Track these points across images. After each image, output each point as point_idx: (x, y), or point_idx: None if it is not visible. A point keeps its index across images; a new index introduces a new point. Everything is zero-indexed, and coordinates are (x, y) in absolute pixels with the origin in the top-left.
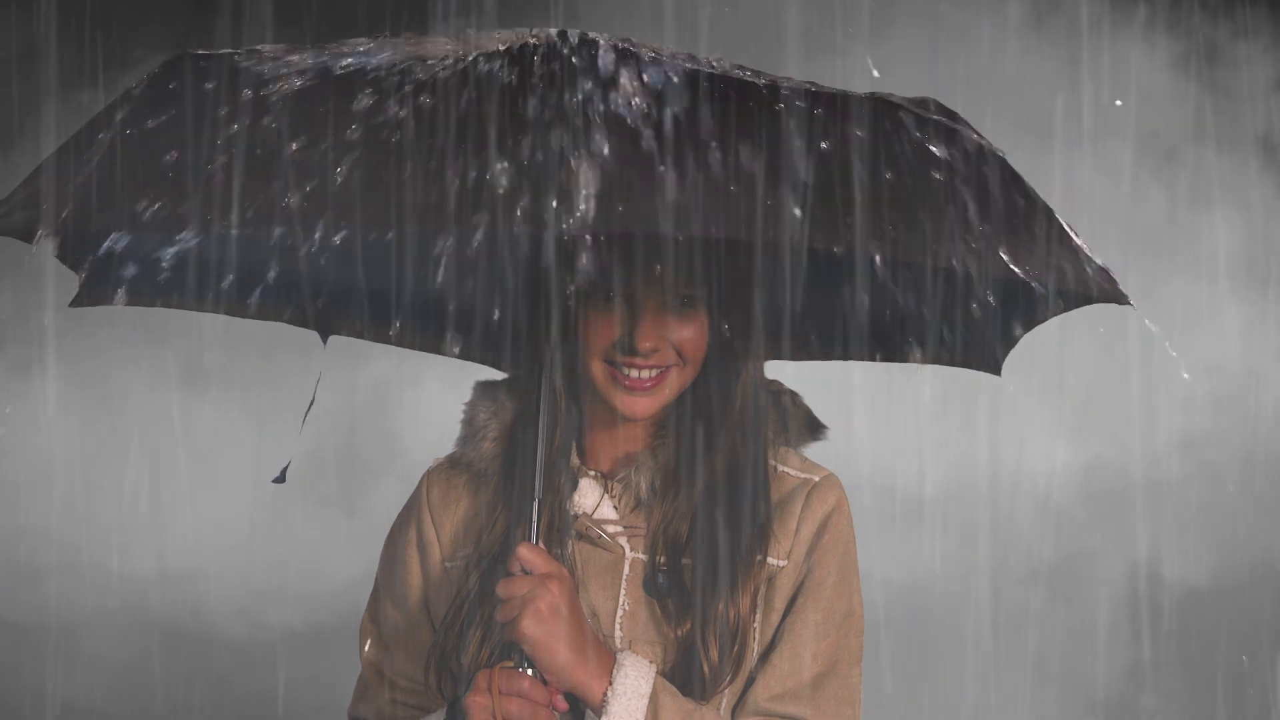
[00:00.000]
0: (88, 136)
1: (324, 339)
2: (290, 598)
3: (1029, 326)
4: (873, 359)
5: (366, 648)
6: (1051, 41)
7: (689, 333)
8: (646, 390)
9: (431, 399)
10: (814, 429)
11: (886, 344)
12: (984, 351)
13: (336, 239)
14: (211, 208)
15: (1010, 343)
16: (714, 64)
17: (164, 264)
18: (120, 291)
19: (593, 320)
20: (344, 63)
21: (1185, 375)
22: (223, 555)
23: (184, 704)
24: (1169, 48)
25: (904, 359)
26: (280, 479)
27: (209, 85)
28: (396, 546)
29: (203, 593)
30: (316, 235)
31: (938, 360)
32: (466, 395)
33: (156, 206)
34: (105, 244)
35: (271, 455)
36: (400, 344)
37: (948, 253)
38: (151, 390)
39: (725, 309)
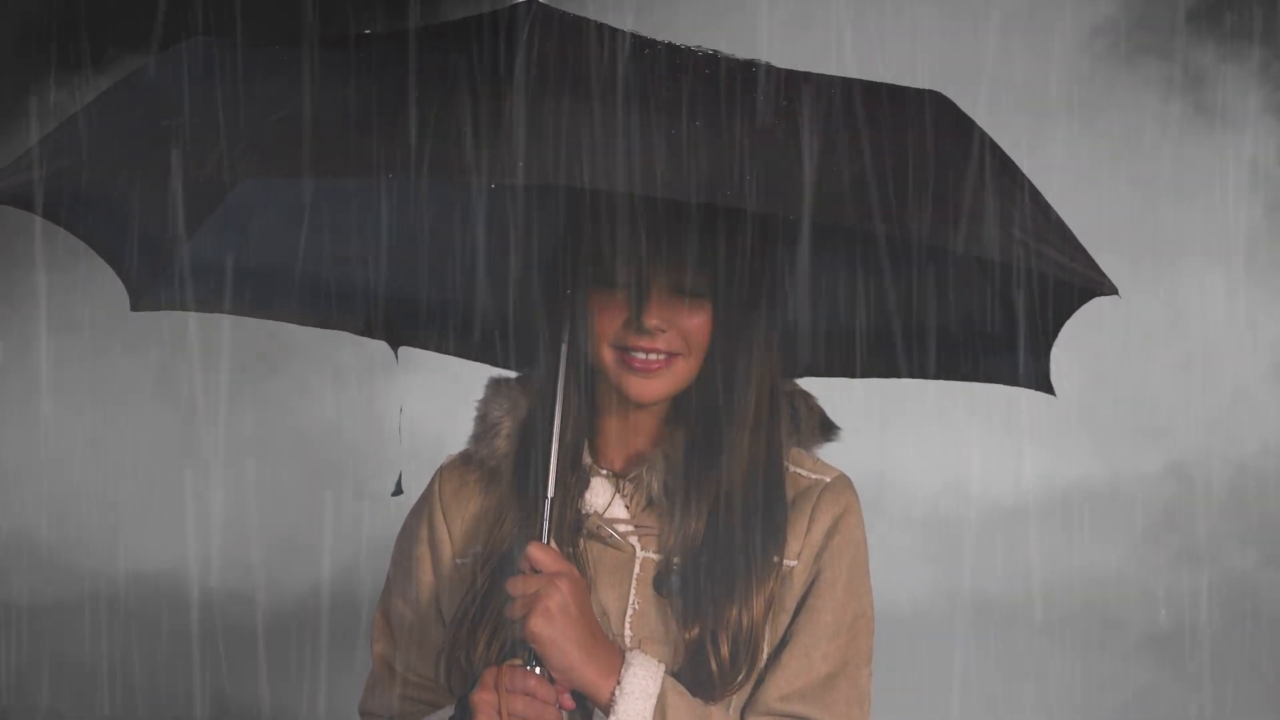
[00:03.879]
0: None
1: (394, 350)
2: (281, 586)
3: (1058, 329)
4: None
5: (377, 643)
6: (1039, 60)
7: (695, 320)
8: (654, 373)
9: (418, 387)
10: (826, 430)
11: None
12: (1033, 367)
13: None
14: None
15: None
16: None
17: (230, 271)
18: (190, 296)
19: (600, 306)
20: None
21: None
22: (213, 546)
23: (176, 695)
24: (1156, 69)
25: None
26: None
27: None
28: (408, 543)
29: (194, 582)
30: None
31: (982, 379)
32: (450, 383)
33: (219, 210)
34: (177, 249)
35: (248, 451)
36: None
37: (988, 245)
38: (131, 385)
39: (736, 303)
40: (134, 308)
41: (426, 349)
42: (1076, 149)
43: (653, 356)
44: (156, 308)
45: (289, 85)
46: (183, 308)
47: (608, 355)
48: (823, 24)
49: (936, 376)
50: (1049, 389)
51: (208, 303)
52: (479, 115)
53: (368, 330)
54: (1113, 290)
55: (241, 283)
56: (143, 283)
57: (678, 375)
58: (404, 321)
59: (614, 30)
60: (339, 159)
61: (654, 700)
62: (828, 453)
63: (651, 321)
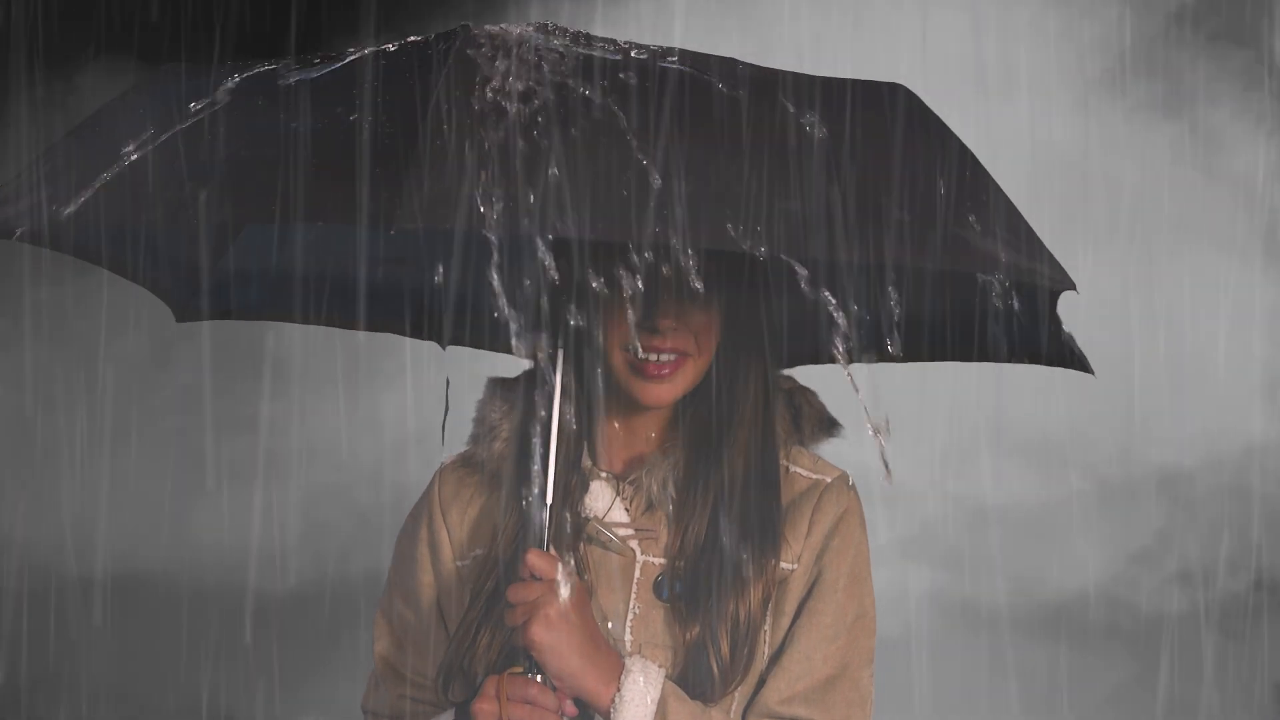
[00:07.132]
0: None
1: (443, 346)
2: (278, 585)
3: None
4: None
5: (378, 642)
6: (1037, 69)
7: (703, 319)
8: (666, 377)
9: (404, 377)
10: (828, 427)
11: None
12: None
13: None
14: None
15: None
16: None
17: (271, 278)
18: (232, 305)
19: (611, 310)
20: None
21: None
22: (201, 540)
23: (170, 684)
24: (1149, 86)
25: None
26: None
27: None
28: (408, 544)
29: (183, 574)
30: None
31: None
32: (440, 376)
33: (263, 220)
34: (213, 264)
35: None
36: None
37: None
38: (107, 380)
39: (738, 303)
40: (179, 319)
41: (474, 347)
42: (1072, 160)
43: (664, 358)
44: (200, 318)
45: (263, 118)
46: (226, 316)
47: (618, 360)
48: (798, 34)
49: (976, 359)
50: (1088, 367)
51: (251, 310)
52: (404, 151)
53: (415, 331)
54: (1070, 285)
55: (284, 289)
56: (183, 297)
57: (688, 376)
58: (451, 320)
59: (550, 49)
60: (313, 201)
61: (654, 706)
62: (823, 451)
63: (664, 322)
